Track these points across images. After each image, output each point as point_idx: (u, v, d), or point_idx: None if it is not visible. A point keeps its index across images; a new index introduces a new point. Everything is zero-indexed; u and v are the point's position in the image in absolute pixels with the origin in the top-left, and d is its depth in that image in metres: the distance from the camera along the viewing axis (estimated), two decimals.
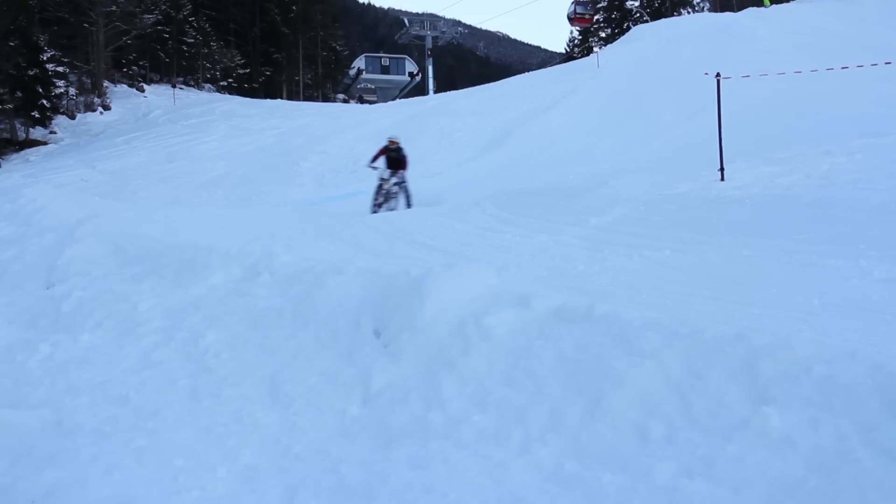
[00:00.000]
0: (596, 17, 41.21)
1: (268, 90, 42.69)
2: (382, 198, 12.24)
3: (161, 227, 6.73)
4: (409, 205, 12.26)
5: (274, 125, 25.07)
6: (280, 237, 7.37)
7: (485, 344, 3.08)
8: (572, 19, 37.55)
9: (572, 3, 36.65)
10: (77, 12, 31.81)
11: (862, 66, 11.06)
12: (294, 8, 46.36)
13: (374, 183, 12.34)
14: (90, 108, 31.42)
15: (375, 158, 12.57)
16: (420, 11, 73.05)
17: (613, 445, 2.47)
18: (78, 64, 32.41)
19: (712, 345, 2.62)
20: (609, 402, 2.60)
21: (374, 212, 11.86)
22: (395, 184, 12.34)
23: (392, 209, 12.11)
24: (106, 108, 31.94)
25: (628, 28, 36.15)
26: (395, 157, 12.44)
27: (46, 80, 28.37)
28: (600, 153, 14.21)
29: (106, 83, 33.24)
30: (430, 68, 54.57)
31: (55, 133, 28.76)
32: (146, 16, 34.44)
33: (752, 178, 7.67)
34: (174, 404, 3.29)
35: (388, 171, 12.32)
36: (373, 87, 55.98)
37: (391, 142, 12.64)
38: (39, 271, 5.13)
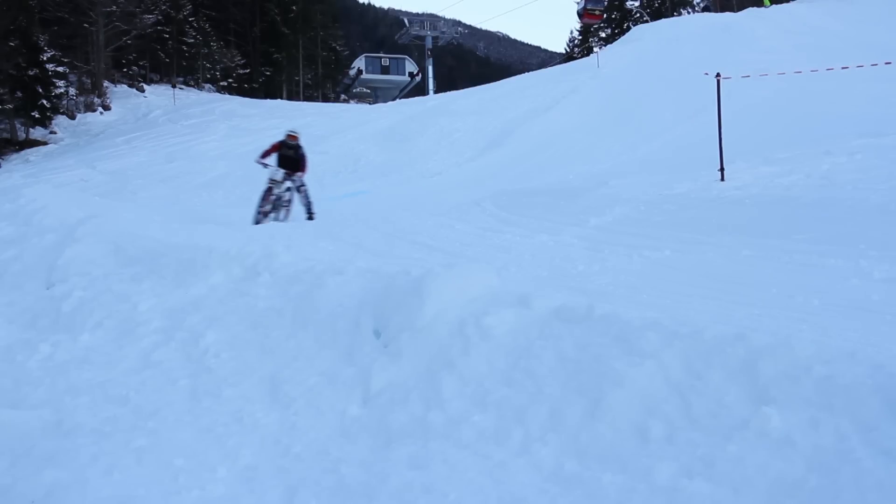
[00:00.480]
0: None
1: (268, 90, 42.73)
2: (270, 204, 10.11)
3: (161, 228, 6.73)
4: (309, 215, 10.22)
5: (274, 125, 25.01)
6: (280, 237, 7.36)
7: (485, 344, 3.08)
8: (582, 15, 37.48)
9: None
10: (77, 12, 31.82)
11: (862, 66, 11.06)
12: (294, 8, 46.43)
13: (263, 185, 10.30)
14: (90, 108, 31.43)
15: (266, 154, 10.29)
16: (420, 11, 73.22)
17: (613, 445, 2.47)
18: (78, 64, 32.42)
19: (712, 345, 2.62)
20: (609, 402, 2.60)
21: (258, 221, 9.82)
22: (289, 188, 10.28)
23: (282, 220, 10.11)
24: (106, 108, 31.94)
25: (628, 28, 36.16)
26: (290, 157, 10.32)
27: (46, 80, 28.36)
28: (600, 153, 14.19)
29: (106, 83, 33.24)
30: (430, 68, 54.59)
31: (55, 133, 28.75)
32: (146, 16, 34.47)
33: (752, 178, 7.67)
34: (174, 404, 3.29)
35: (282, 171, 10.18)
36: (368, 90, 55.94)
37: (290, 136, 10.45)
38: (39, 271, 5.13)
